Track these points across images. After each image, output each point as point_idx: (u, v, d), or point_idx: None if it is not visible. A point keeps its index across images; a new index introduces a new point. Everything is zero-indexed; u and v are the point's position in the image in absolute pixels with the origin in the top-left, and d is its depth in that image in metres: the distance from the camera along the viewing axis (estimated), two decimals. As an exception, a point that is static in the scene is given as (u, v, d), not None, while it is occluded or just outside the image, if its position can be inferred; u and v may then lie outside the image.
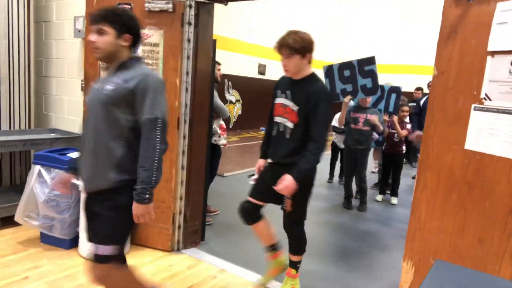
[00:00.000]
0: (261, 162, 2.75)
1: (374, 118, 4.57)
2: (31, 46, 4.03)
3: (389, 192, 5.38)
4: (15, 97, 3.95)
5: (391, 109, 5.02)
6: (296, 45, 2.32)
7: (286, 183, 2.29)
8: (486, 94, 1.74)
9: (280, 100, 2.54)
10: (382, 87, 5.02)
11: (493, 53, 1.71)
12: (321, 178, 6.14)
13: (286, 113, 2.47)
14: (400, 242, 3.87)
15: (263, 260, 3.20)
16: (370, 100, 4.67)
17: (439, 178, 1.94)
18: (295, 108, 2.42)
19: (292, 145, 2.45)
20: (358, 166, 4.80)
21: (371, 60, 4.27)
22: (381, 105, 5.09)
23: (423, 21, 13.40)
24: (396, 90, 5.05)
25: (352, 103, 4.88)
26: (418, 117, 5.26)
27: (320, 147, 2.35)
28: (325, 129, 2.38)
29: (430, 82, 6.07)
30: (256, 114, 12.77)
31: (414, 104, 6.34)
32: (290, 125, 2.45)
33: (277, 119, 2.55)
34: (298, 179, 2.29)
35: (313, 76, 2.47)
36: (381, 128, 4.65)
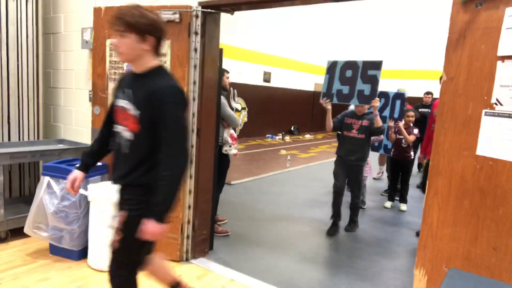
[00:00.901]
0: (76, 174, 2.20)
1: (377, 119, 3.94)
2: (39, 57, 4.07)
3: (397, 198, 5.33)
4: (24, 109, 3.99)
5: (396, 115, 4.98)
6: (132, 20, 1.73)
7: (148, 230, 1.72)
8: (497, 99, 1.73)
9: (120, 102, 1.90)
10: (386, 94, 4.99)
11: (503, 58, 1.70)
12: (327, 186, 6.11)
13: (125, 119, 1.86)
14: (409, 249, 3.83)
15: (273, 270, 3.18)
16: (366, 108, 4.18)
17: (451, 185, 1.92)
18: (136, 112, 1.80)
19: (131, 163, 1.85)
20: (353, 179, 4.23)
21: (377, 65, 3.89)
22: (386, 112, 5.06)
23: (430, 26, 13.39)
24: (400, 96, 5.02)
25: (352, 107, 4.59)
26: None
27: (177, 164, 1.74)
28: (180, 139, 1.76)
29: (425, 93, 6.07)
30: (262, 121, 12.78)
31: (426, 109, 6.30)
32: (127, 135, 1.84)
33: (116, 127, 1.93)
34: (161, 217, 1.72)
35: (158, 70, 1.87)
36: (381, 124, 3.98)
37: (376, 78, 3.79)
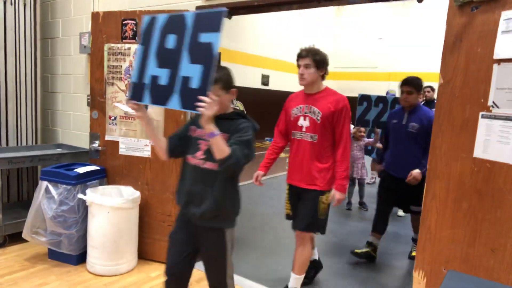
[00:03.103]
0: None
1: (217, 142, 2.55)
2: (37, 62, 4.08)
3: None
4: (22, 113, 3.99)
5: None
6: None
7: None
8: (493, 102, 1.74)
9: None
10: (384, 98, 4.96)
11: (499, 61, 1.71)
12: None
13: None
14: (406, 253, 3.83)
15: (271, 273, 3.18)
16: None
17: (448, 187, 1.92)
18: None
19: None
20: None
21: (214, 20, 2.35)
22: (385, 118, 5.04)
23: (423, 28, 13.45)
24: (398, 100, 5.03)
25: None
26: None
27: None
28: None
29: (426, 87, 5.74)
30: (261, 124, 12.73)
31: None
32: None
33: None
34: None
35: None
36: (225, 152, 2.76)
37: (212, 51, 1.66)
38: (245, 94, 12.89)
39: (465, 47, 1.84)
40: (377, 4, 2.85)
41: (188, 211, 1.98)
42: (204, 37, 1.70)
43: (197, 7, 3.06)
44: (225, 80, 1.90)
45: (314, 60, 2.55)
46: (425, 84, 6.65)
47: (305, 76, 2.58)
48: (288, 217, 2.87)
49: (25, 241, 3.23)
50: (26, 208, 3.19)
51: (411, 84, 3.34)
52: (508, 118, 1.68)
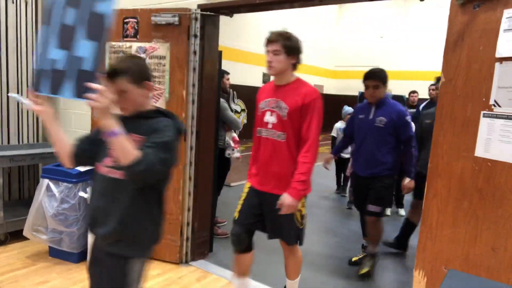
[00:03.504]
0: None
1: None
2: (39, 61, 4.08)
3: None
4: (24, 111, 3.99)
5: None
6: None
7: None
8: (495, 101, 1.73)
9: None
10: None
11: (502, 60, 1.70)
12: (325, 190, 6.12)
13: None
14: (409, 251, 3.83)
15: (272, 272, 3.18)
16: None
17: (450, 186, 1.92)
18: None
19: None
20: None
21: None
22: None
23: (424, 27, 13.42)
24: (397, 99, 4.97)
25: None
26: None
27: None
28: None
29: (431, 85, 5.53)
30: (261, 123, 12.75)
31: (413, 110, 5.80)
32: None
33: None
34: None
35: None
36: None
37: (103, 23, 1.45)
38: (246, 92, 12.89)
39: (467, 46, 1.84)
40: (378, 3, 2.83)
41: (94, 233, 1.62)
42: (100, 7, 1.43)
43: (199, 6, 3.06)
44: (135, 71, 1.54)
45: (285, 46, 2.20)
46: (430, 82, 6.64)
47: (274, 64, 2.22)
48: (236, 220, 2.46)
49: (26, 239, 3.23)
50: (27, 206, 3.20)
51: (377, 77, 3.08)
52: (509, 117, 1.68)
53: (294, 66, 2.30)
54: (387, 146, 3.07)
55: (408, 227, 3.75)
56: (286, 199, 2.17)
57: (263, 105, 2.37)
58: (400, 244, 3.80)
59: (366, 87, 3.11)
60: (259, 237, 4.08)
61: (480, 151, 1.80)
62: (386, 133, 3.05)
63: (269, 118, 2.30)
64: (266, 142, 2.33)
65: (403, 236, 3.79)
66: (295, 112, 2.22)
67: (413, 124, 3.31)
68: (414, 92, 6.51)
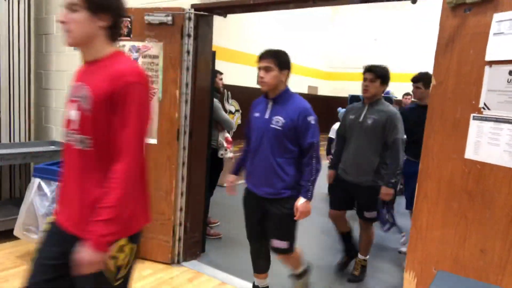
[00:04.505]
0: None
1: None
2: (31, 58, 4.05)
3: None
4: (15, 110, 3.96)
5: None
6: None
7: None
8: (484, 104, 1.75)
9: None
10: (357, 97, 4.93)
11: (491, 63, 1.72)
12: (320, 191, 6.12)
13: None
14: (396, 256, 3.85)
15: (271, 271, 3.18)
16: None
17: (440, 188, 1.94)
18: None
19: None
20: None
21: None
22: None
23: (417, 30, 13.51)
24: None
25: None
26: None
27: None
28: None
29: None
30: (256, 124, 12.74)
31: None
32: None
33: None
34: None
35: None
36: None
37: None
38: (241, 93, 12.90)
39: (458, 49, 1.85)
40: (372, 5, 2.84)
41: None
42: None
43: (192, 5, 3.06)
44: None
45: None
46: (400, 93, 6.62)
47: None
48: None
49: (17, 238, 3.21)
50: (18, 205, 3.17)
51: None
52: (498, 120, 1.70)
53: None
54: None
55: (344, 236, 3.38)
56: (82, 253, 1.33)
57: (69, 93, 1.53)
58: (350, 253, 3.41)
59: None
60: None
61: (469, 153, 1.82)
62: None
63: (72, 113, 1.45)
64: (68, 152, 1.49)
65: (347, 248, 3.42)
66: (102, 103, 1.38)
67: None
68: (407, 94, 6.46)
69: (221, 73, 3.93)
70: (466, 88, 1.82)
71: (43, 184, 3.02)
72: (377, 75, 2.92)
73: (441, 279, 1.41)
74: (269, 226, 2.47)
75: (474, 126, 1.79)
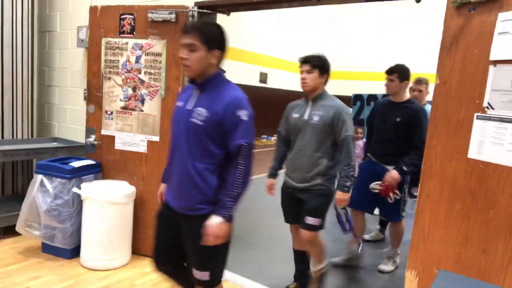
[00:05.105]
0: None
1: None
2: (34, 55, 4.06)
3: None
4: (18, 106, 3.97)
5: None
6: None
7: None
8: (488, 103, 1.74)
9: None
10: (374, 96, 4.91)
11: (495, 62, 1.71)
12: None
13: None
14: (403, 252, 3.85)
15: (266, 271, 3.18)
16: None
17: (443, 187, 1.93)
18: None
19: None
20: None
21: None
22: (364, 115, 4.94)
23: (421, 29, 13.47)
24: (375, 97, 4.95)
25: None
26: None
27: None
28: None
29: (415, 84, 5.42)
30: (258, 122, 12.75)
31: None
32: None
33: None
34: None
35: None
36: None
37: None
38: (243, 91, 12.80)
39: (462, 48, 1.85)
40: (376, 4, 2.82)
41: None
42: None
43: (196, 3, 3.05)
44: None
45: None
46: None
47: None
48: None
49: (18, 234, 3.22)
50: (21, 201, 3.18)
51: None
52: (502, 119, 1.69)
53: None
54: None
55: (298, 255, 2.90)
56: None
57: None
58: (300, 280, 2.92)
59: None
60: (254, 235, 4.09)
61: (473, 153, 1.81)
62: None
63: None
64: None
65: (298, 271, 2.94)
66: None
67: None
68: (419, 81, 6.38)
69: (223, 71, 3.92)
70: (470, 88, 1.82)
71: (45, 180, 3.03)
72: (313, 65, 2.57)
73: (443, 278, 1.40)
74: (186, 250, 1.94)
75: (478, 125, 1.78)
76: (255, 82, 12.80)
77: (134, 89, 3.19)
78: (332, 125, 2.52)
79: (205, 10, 3.06)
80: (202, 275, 1.89)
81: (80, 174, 3.12)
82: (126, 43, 3.18)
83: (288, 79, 14.58)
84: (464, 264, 1.85)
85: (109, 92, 3.28)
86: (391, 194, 3.07)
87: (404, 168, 3.00)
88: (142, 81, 3.16)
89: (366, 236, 3.93)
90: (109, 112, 3.30)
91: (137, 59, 3.16)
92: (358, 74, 15.55)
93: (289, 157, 2.72)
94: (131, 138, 3.25)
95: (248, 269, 3.19)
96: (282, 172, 2.84)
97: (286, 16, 13.10)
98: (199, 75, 1.83)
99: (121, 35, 3.20)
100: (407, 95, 3.24)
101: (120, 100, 3.25)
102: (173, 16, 2.98)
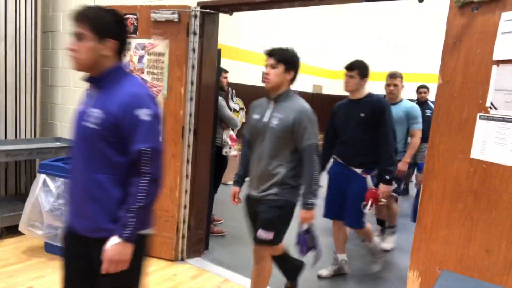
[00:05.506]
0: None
1: None
2: (37, 55, 4.07)
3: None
4: (21, 106, 3.98)
5: None
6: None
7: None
8: (491, 103, 1.74)
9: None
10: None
11: (498, 62, 1.71)
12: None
13: None
14: (403, 253, 3.84)
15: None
16: None
17: (445, 187, 1.93)
18: None
19: None
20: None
21: None
22: None
23: (423, 29, 13.44)
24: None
25: None
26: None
27: None
28: None
29: (421, 88, 5.28)
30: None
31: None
32: None
33: None
34: None
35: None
36: None
37: None
38: (245, 91, 12.86)
39: (465, 48, 1.84)
40: (378, 4, 2.82)
41: None
42: None
43: (198, 3, 3.06)
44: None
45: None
46: (420, 84, 6.45)
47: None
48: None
49: (22, 234, 3.23)
50: (24, 201, 3.19)
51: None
52: (505, 119, 1.69)
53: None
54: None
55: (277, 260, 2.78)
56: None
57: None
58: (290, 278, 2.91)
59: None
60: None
61: (475, 153, 1.81)
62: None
63: None
64: None
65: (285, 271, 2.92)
66: None
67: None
68: (423, 87, 5.96)
69: (226, 71, 3.92)
70: (473, 88, 1.81)
71: (48, 180, 3.04)
72: (278, 59, 2.24)
73: (445, 279, 1.40)
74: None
75: (481, 125, 1.78)
76: (257, 81, 12.81)
77: (136, 89, 3.20)
78: (293, 130, 2.21)
79: (208, 10, 3.06)
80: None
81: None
82: (129, 43, 3.18)
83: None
84: (467, 264, 1.85)
85: (112, 92, 3.28)
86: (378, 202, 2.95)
87: (387, 177, 2.86)
88: (145, 81, 3.17)
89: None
90: (111, 112, 3.30)
91: (140, 59, 3.17)
92: (360, 74, 15.49)
93: (250, 164, 2.45)
94: (134, 138, 3.25)
95: (250, 268, 3.19)
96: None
97: (290, 16, 13.10)
98: (90, 69, 1.54)
99: (124, 35, 3.20)
100: (366, 91, 3.04)
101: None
102: (175, 16, 2.98)
